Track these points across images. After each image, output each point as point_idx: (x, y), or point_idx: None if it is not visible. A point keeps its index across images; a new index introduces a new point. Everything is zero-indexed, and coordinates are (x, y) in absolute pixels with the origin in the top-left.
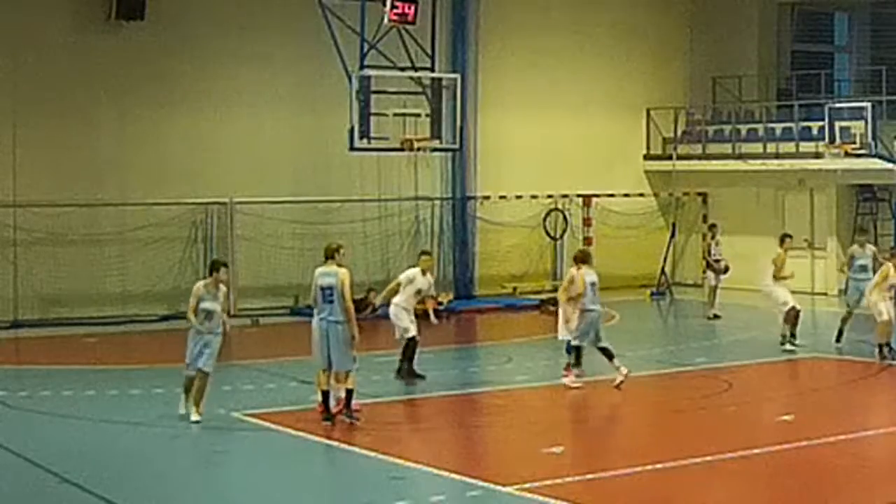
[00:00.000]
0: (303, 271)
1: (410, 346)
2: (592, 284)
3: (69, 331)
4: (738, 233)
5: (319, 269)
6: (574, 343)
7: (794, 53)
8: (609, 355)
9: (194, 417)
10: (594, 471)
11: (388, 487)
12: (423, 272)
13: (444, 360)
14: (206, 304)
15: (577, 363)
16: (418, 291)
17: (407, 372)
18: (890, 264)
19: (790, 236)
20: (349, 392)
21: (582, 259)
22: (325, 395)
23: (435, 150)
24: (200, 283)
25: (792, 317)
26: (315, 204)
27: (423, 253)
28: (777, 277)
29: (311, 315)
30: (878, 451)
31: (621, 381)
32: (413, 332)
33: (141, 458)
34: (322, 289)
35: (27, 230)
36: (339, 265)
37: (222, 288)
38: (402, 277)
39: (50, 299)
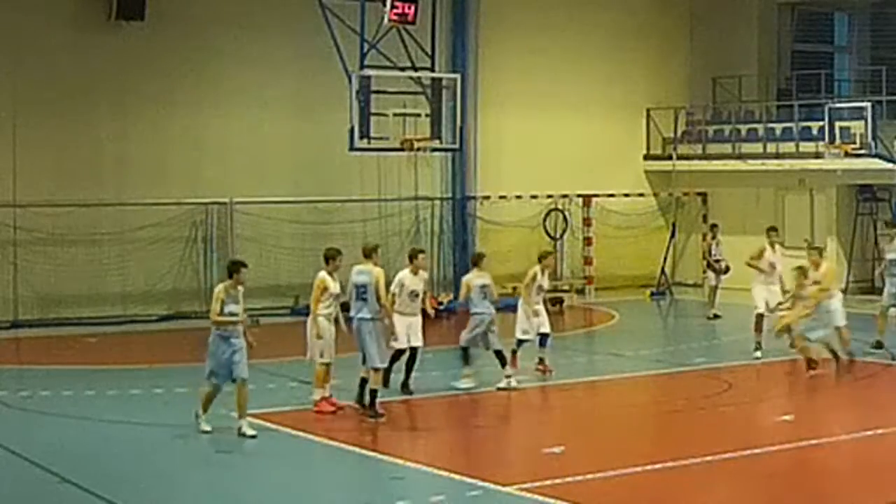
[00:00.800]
0: (303, 271)
1: (394, 357)
2: (482, 287)
3: (69, 331)
4: (738, 233)
5: (356, 268)
6: (462, 344)
7: (794, 53)
8: (502, 361)
9: (251, 432)
10: (594, 471)
11: (388, 487)
12: (416, 272)
13: (444, 360)
14: (231, 307)
15: (467, 363)
16: (413, 293)
17: (401, 384)
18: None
19: (775, 229)
20: (374, 392)
21: (474, 262)
22: (364, 382)
23: (435, 150)
24: (221, 287)
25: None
26: (315, 204)
27: (418, 252)
28: (749, 264)
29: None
30: (878, 451)
31: (504, 388)
32: (401, 344)
33: (141, 458)
34: (356, 286)
35: (27, 230)
36: (376, 264)
37: (240, 289)
38: (394, 286)
39: (50, 299)
